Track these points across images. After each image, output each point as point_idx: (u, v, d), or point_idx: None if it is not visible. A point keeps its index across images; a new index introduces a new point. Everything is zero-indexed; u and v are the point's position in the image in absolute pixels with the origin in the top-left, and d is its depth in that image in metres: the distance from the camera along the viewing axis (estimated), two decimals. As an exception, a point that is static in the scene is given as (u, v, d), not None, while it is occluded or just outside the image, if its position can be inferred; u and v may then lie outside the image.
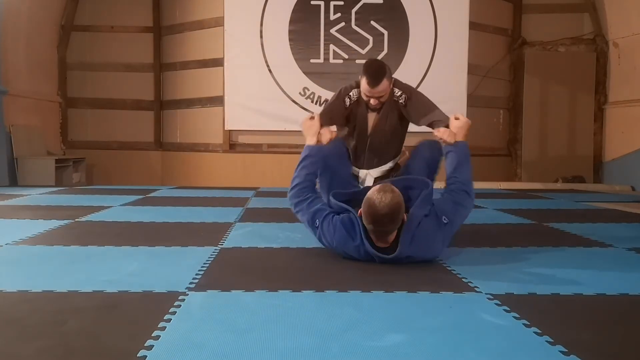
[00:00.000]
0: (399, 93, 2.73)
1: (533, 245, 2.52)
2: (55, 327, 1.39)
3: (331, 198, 2.32)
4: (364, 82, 2.62)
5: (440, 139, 2.47)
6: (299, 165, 2.40)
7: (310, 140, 2.45)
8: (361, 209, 2.07)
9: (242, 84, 6.49)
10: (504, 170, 7.22)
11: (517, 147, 7.22)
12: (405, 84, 2.84)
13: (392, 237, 2.07)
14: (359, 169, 2.89)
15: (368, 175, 2.88)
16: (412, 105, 2.72)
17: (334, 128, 2.67)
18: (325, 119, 2.60)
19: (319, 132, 2.46)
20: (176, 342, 1.30)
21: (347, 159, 2.69)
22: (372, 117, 2.79)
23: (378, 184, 2.76)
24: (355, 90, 2.76)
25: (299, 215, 2.33)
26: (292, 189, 2.36)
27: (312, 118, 2.51)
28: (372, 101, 2.69)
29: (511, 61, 7.25)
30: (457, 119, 2.48)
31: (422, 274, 1.97)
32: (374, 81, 2.58)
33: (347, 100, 2.76)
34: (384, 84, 2.60)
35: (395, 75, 2.90)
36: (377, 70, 2.61)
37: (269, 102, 6.45)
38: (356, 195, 2.32)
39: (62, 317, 1.46)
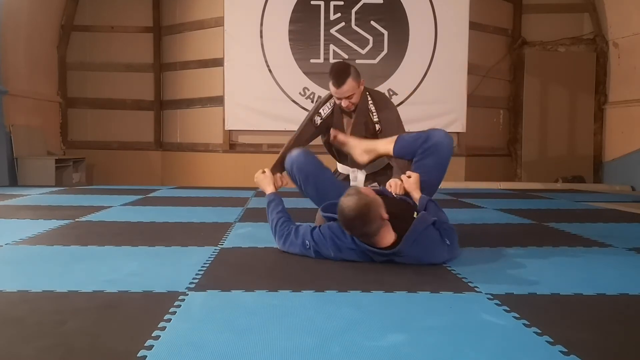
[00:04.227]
0: (372, 108, 2.78)
1: (533, 245, 2.52)
2: (55, 327, 1.39)
3: (320, 212, 2.33)
4: (330, 85, 2.70)
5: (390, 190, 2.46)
6: (267, 211, 2.47)
7: (269, 190, 2.57)
8: None
9: (242, 84, 6.49)
10: (504, 170, 7.22)
11: (517, 147, 7.23)
12: (382, 96, 2.93)
13: (383, 238, 2.06)
14: (350, 167, 2.91)
15: (359, 174, 2.89)
16: (382, 121, 2.76)
17: (285, 177, 2.74)
18: (278, 167, 2.73)
19: (273, 182, 2.60)
20: (176, 342, 1.30)
21: (321, 163, 2.65)
22: (348, 124, 2.83)
23: (369, 182, 2.81)
24: (328, 103, 2.84)
25: (291, 250, 2.29)
26: (274, 232, 2.38)
27: (263, 172, 2.64)
28: (343, 103, 2.73)
29: (511, 61, 7.25)
30: (409, 177, 2.44)
31: (422, 274, 1.97)
32: (337, 81, 2.66)
33: (317, 119, 2.84)
34: (349, 83, 2.66)
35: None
36: (340, 71, 2.68)
37: (269, 102, 6.46)
38: None
39: (62, 317, 1.46)
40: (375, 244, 2.07)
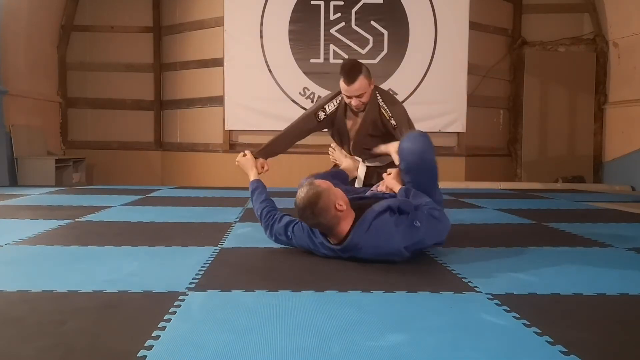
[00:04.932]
0: (383, 105, 2.76)
1: (533, 245, 2.52)
2: (55, 327, 1.39)
3: None
4: (341, 82, 2.68)
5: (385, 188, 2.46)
6: (252, 199, 2.50)
7: (252, 175, 2.62)
8: None
9: (242, 84, 6.49)
10: (504, 170, 7.22)
11: (517, 147, 7.23)
12: (389, 93, 2.90)
13: (344, 230, 2.06)
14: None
15: (360, 166, 2.91)
16: (395, 116, 2.73)
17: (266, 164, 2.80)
18: (262, 153, 2.79)
19: (255, 165, 2.66)
20: (176, 342, 1.30)
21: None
22: (351, 122, 2.82)
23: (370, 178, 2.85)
24: (335, 100, 2.82)
25: (280, 238, 2.31)
26: (260, 221, 2.40)
27: (244, 155, 2.69)
28: (353, 102, 2.69)
29: (511, 61, 7.25)
30: (389, 174, 2.46)
31: (422, 274, 1.97)
32: (348, 79, 2.63)
33: (322, 114, 2.83)
34: (361, 81, 2.63)
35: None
36: (351, 69, 2.65)
37: (269, 102, 6.45)
38: None
39: (62, 317, 1.46)
40: (337, 235, 2.08)
